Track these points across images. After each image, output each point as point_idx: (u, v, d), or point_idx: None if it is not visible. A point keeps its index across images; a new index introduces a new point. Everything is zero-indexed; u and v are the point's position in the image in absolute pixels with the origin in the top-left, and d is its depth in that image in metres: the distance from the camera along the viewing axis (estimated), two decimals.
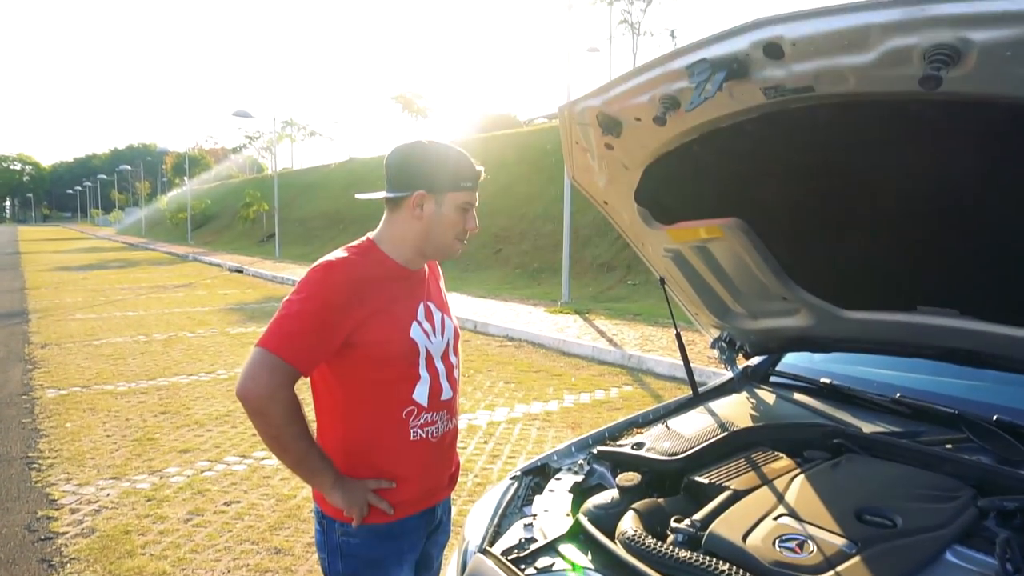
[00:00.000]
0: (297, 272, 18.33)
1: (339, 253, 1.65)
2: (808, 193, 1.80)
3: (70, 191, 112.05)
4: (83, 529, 3.63)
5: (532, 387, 6.62)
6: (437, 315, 1.77)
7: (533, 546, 1.66)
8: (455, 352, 1.83)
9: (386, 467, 1.68)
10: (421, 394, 1.69)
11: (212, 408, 5.88)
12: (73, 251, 31.50)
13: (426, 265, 1.82)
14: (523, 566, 1.58)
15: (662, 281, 2.42)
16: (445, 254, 1.72)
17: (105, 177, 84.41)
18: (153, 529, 3.63)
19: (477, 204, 1.70)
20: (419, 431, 1.69)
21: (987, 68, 1.13)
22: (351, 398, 1.65)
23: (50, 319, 11.01)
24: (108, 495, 4.07)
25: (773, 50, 1.32)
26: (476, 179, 1.67)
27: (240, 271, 20.25)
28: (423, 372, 1.68)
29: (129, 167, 70.38)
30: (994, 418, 1.85)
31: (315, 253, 24.32)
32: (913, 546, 1.42)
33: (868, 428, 2.03)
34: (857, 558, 1.38)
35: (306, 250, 25.12)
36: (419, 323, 1.69)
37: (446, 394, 1.75)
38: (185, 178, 49.52)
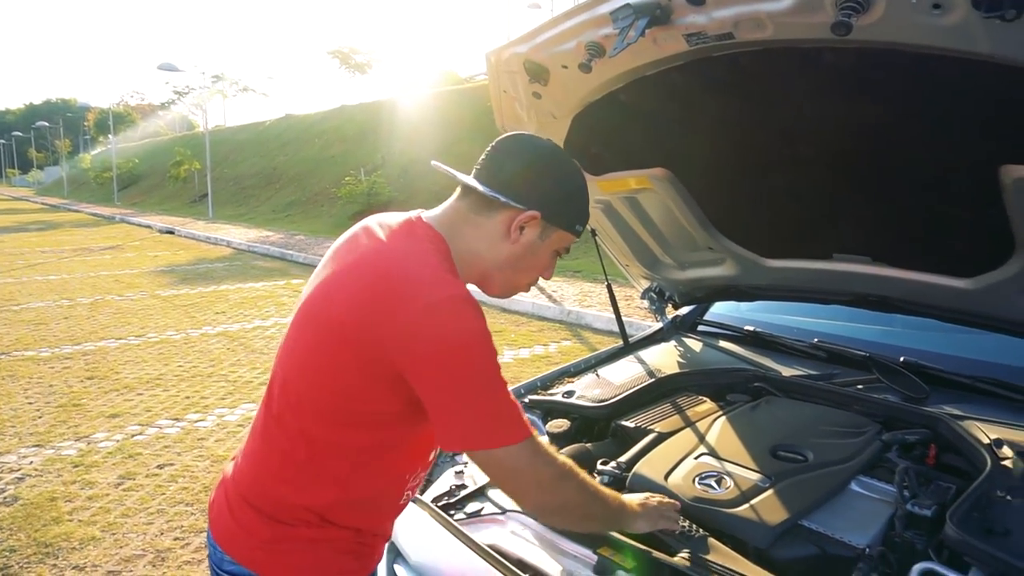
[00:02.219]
0: (231, 233, 17.77)
1: (445, 282, 1.13)
2: (730, 143, 1.83)
3: None
4: (4, 498, 3.50)
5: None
6: None
7: (463, 492, 1.69)
8: None
9: (367, 529, 1.31)
10: (431, 449, 1.34)
11: (142, 372, 5.70)
12: None
13: None
14: (452, 512, 1.61)
15: (593, 233, 2.44)
16: (508, 292, 1.31)
17: (21, 134, 79.38)
18: (81, 495, 3.53)
19: None
20: (408, 493, 1.33)
21: (894, 16, 1.16)
22: (365, 457, 1.22)
23: None
24: (31, 463, 3.93)
25: None
26: (585, 224, 1.32)
27: (171, 232, 19.50)
28: None
29: (47, 124, 66.33)
30: (901, 359, 1.95)
31: (250, 213, 23.35)
32: (821, 478, 1.50)
33: (787, 372, 2.12)
34: (770, 491, 1.45)
35: (241, 210, 24.32)
36: None
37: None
38: (110, 136, 46.98)
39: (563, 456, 1.22)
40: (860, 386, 1.96)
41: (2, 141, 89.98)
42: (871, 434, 1.67)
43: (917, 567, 1.22)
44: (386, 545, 1.42)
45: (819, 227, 1.93)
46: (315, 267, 1.33)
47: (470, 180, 1.22)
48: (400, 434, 1.22)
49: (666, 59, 1.54)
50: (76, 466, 3.87)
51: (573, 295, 8.50)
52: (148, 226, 21.37)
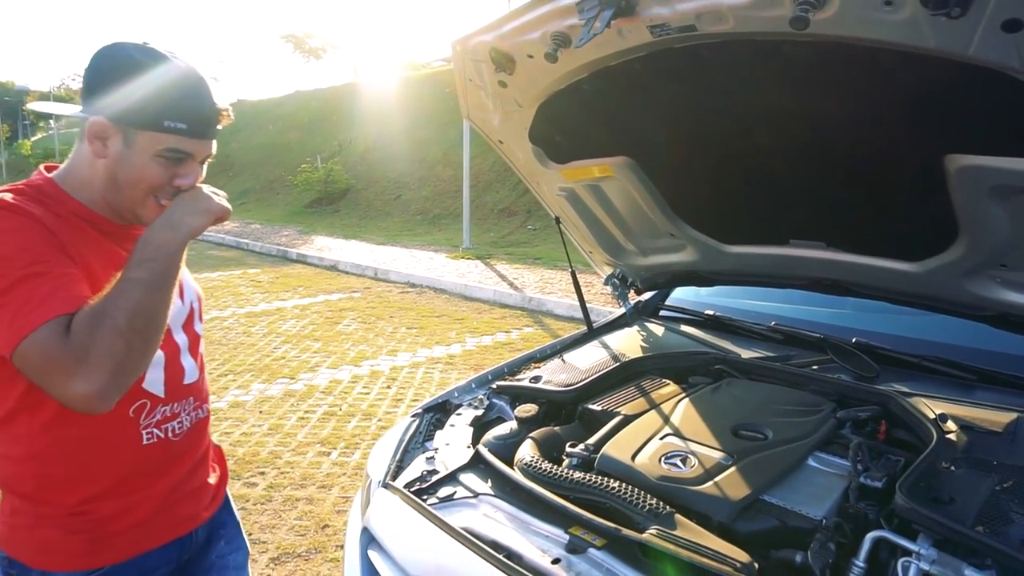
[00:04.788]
0: None
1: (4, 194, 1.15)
2: (691, 132, 1.88)
3: None
4: None
5: (434, 332, 6.65)
6: None
7: (435, 477, 1.72)
8: (200, 320, 1.45)
9: (109, 487, 1.24)
10: (154, 381, 1.27)
11: None
12: None
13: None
14: (425, 496, 1.63)
15: (557, 220, 2.48)
16: (137, 215, 1.23)
17: None
18: None
19: (208, 157, 1.27)
20: (155, 430, 1.28)
21: (848, 11, 1.21)
22: (40, 397, 1.11)
23: None
24: None
25: None
26: (202, 124, 1.20)
27: None
28: None
29: None
30: (853, 340, 2.04)
31: None
32: (780, 455, 1.56)
33: (746, 354, 2.19)
34: (732, 468, 1.51)
35: None
36: None
37: (190, 376, 1.36)
38: (51, 121, 45.19)
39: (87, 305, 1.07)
40: (815, 367, 2.04)
41: None
42: (826, 412, 1.74)
43: (870, 535, 1.29)
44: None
45: (776, 214, 2.00)
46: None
47: (57, 107, 1.29)
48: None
49: (630, 50, 1.57)
50: None
51: (534, 282, 8.56)
52: None
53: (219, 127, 1.26)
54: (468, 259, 10.65)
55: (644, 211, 2.23)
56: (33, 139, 55.66)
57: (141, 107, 1.15)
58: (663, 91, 1.74)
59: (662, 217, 2.21)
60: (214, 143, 1.27)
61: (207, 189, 1.26)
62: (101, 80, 1.17)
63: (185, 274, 1.36)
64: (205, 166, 1.29)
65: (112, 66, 1.17)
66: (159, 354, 1.24)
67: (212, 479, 1.48)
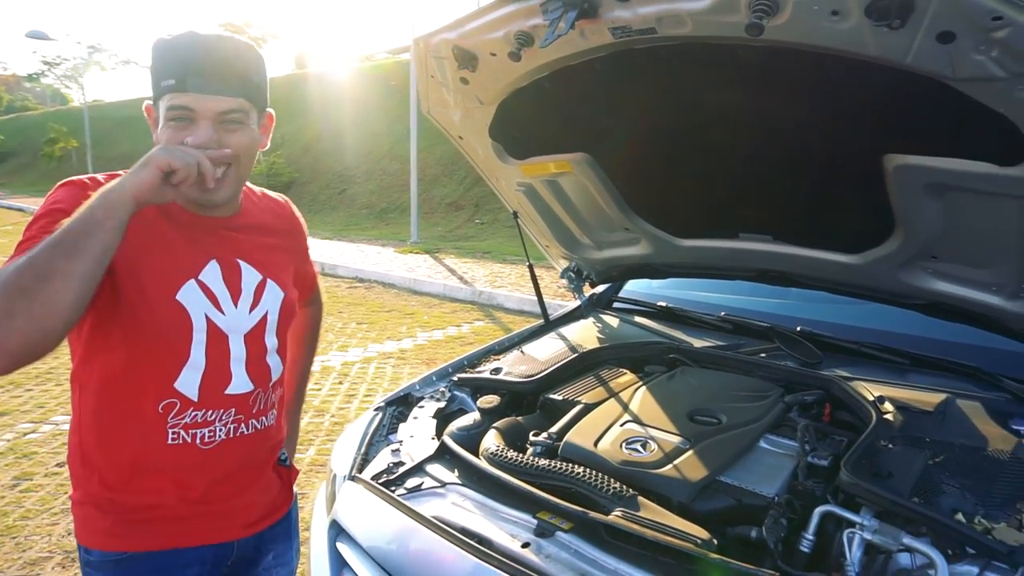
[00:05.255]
0: None
1: (99, 176, 1.22)
2: (647, 129, 1.95)
3: None
4: None
5: (385, 327, 6.63)
6: (251, 279, 1.33)
7: (401, 469, 1.74)
8: (277, 333, 1.39)
9: (130, 475, 1.27)
10: (189, 383, 1.25)
11: (31, 366, 5.33)
12: None
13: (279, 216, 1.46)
14: (393, 488, 1.65)
15: (515, 215, 2.52)
16: (183, 191, 1.16)
17: None
18: None
19: (228, 115, 1.19)
20: (182, 432, 1.26)
21: (800, 19, 1.28)
22: (102, 377, 1.23)
23: None
24: None
25: None
26: (194, 76, 1.15)
27: None
28: (196, 353, 1.25)
29: None
30: (798, 329, 2.15)
31: None
32: (734, 438, 1.65)
33: (698, 343, 2.28)
34: (690, 451, 1.58)
35: None
36: (200, 284, 1.26)
37: (238, 387, 1.31)
38: None
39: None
40: (763, 354, 2.15)
41: None
42: (775, 397, 1.84)
43: (818, 510, 1.38)
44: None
45: (727, 208, 2.09)
46: None
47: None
48: (101, 327, 1.18)
49: (591, 50, 1.62)
50: None
51: (483, 276, 8.59)
52: (20, 209, 19.75)
53: (234, 82, 1.19)
54: (416, 253, 10.61)
55: (600, 206, 2.29)
56: None
57: (152, 79, 1.19)
58: (622, 90, 1.79)
59: (618, 212, 2.28)
60: (235, 100, 1.19)
61: (192, 141, 1.16)
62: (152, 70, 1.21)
63: (269, 285, 1.35)
64: (248, 131, 1.24)
65: (152, 55, 1.21)
66: (199, 356, 1.23)
67: (263, 499, 1.44)
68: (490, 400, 2.01)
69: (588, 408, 1.87)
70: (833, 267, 2.01)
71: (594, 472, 1.52)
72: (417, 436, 1.89)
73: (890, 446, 1.56)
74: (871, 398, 1.74)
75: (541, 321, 2.62)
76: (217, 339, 1.27)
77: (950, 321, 1.91)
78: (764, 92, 1.60)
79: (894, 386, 1.85)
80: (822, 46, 1.33)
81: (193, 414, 1.26)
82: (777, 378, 1.97)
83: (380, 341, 6.16)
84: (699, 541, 1.30)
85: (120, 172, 1.17)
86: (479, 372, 2.18)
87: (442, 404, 2.08)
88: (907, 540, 1.27)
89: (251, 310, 1.33)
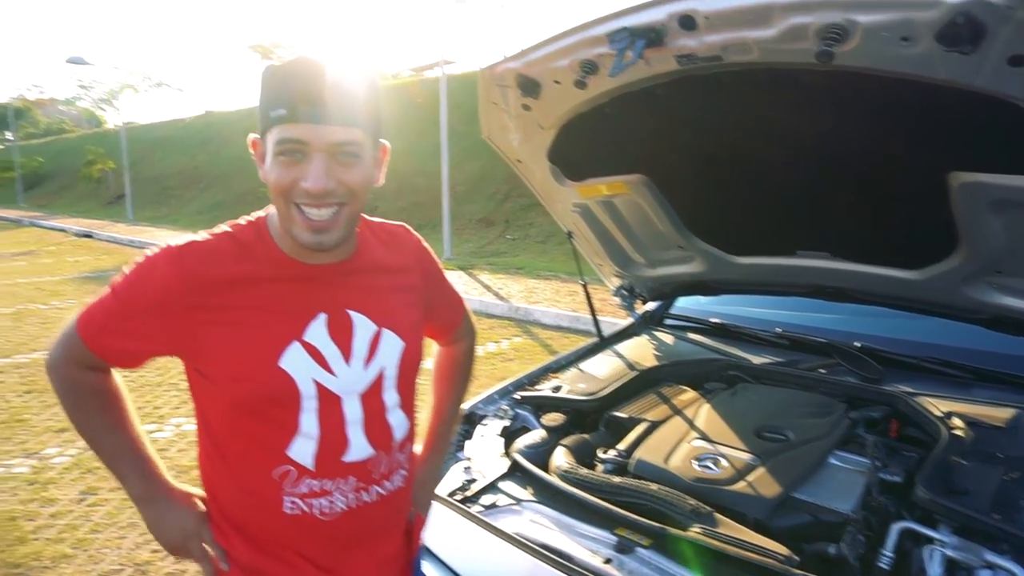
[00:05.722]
0: (156, 235, 17.09)
1: (204, 234, 1.15)
2: (706, 151, 1.99)
3: None
4: None
5: (427, 343, 6.68)
6: (365, 330, 1.18)
7: (475, 487, 1.79)
8: (398, 388, 1.24)
9: (255, 544, 1.19)
10: (303, 452, 1.13)
11: None
12: None
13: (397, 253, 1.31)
14: (469, 505, 1.70)
15: (569, 235, 2.57)
16: (294, 236, 1.09)
17: None
18: (43, 513, 3.42)
19: (342, 148, 1.06)
20: (299, 502, 1.14)
21: (869, 46, 1.32)
22: (215, 433, 1.18)
23: None
24: None
25: (687, 22, 1.45)
26: (306, 104, 1.02)
27: (89, 236, 18.57)
28: (307, 421, 1.12)
29: None
30: (857, 345, 2.16)
31: (174, 214, 22.53)
32: (804, 454, 1.67)
33: (755, 360, 2.30)
34: (761, 468, 1.61)
35: (163, 211, 23.39)
36: (306, 346, 1.12)
37: (357, 452, 1.16)
38: (8, 133, 44.22)
39: (87, 382, 1.19)
40: (823, 370, 2.16)
41: None
42: (840, 413, 1.86)
43: (896, 526, 1.39)
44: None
45: (784, 226, 2.12)
46: None
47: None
48: (208, 396, 1.17)
49: (654, 76, 1.67)
50: (31, 483, 3.74)
51: (518, 291, 8.65)
52: (62, 229, 20.31)
53: (349, 111, 1.06)
54: (451, 269, 10.71)
55: (655, 225, 2.33)
56: None
57: (260, 109, 1.07)
58: (683, 113, 1.84)
59: (673, 231, 2.32)
60: (350, 130, 1.06)
61: (310, 187, 1.05)
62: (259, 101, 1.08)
63: (385, 335, 1.20)
64: (364, 165, 1.09)
65: (261, 84, 1.08)
66: (311, 425, 1.12)
67: (394, 565, 1.32)
68: (554, 418, 2.05)
69: (654, 425, 1.90)
70: (893, 283, 2.02)
71: (669, 489, 1.55)
72: (486, 454, 1.94)
73: (963, 462, 1.57)
74: (939, 414, 1.75)
75: (596, 339, 2.66)
76: (330, 403, 1.13)
77: (1015, 335, 1.91)
78: (826, 113, 1.64)
79: (961, 401, 1.86)
80: (890, 71, 1.36)
81: (309, 483, 1.14)
82: (839, 394, 1.98)
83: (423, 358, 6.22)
84: (781, 558, 1.33)
85: (227, 227, 1.17)
86: (540, 390, 2.23)
87: (507, 422, 2.13)
88: (989, 557, 1.28)
89: (366, 366, 1.18)
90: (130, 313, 1.13)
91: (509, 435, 2.07)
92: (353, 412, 1.16)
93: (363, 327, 1.18)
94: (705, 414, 1.92)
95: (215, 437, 1.18)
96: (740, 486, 1.55)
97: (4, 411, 4.91)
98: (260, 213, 1.19)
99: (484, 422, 2.14)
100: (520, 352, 6.26)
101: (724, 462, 1.65)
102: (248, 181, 22.34)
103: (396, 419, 1.23)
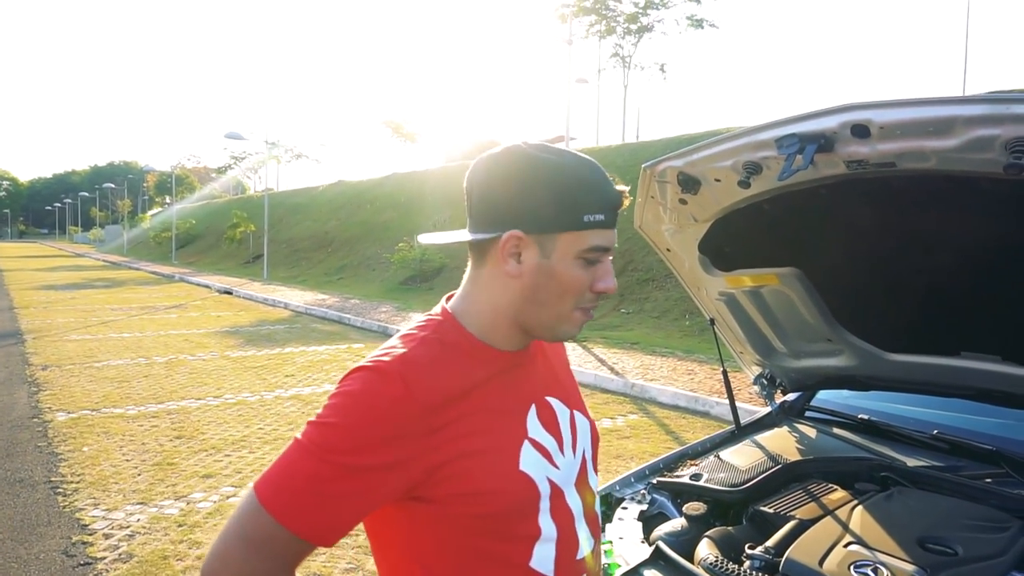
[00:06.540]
0: (288, 295, 18.32)
1: (396, 344, 1.01)
2: (864, 246, 1.98)
3: (48, 207, 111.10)
4: (120, 555, 3.68)
5: None
6: (564, 415, 1.11)
7: (618, 572, 1.80)
8: (595, 468, 1.17)
9: None
10: (544, 559, 1.01)
11: (226, 433, 5.92)
12: (55, 269, 31.14)
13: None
14: None
15: (712, 322, 2.59)
16: (558, 332, 1.05)
17: (86, 194, 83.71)
18: (190, 555, 3.68)
19: (614, 249, 1.04)
20: None
21: None
22: (432, 568, 1.00)
23: (45, 340, 10.93)
24: (138, 520, 4.12)
25: (860, 130, 1.50)
26: (614, 208, 1.01)
27: (229, 292, 20.18)
28: (545, 523, 1.02)
29: (112, 185, 69.85)
30: None
31: (303, 275, 23.92)
32: (978, 572, 1.57)
33: (910, 462, 2.19)
34: None
35: (293, 272, 25.10)
36: (533, 443, 1.03)
37: (584, 548, 1.07)
38: (167, 197, 49.29)
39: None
40: (988, 479, 2.03)
41: (68, 200, 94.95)
42: (1016, 529, 1.74)
43: None
44: None
45: (948, 326, 2.05)
46: (373, 331, 1.17)
47: (452, 236, 1.08)
48: (425, 534, 0.99)
49: (821, 178, 1.72)
50: (180, 525, 4.05)
51: (634, 367, 8.57)
52: (207, 286, 22.15)
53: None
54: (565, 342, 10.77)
55: (804, 317, 2.32)
56: (151, 213, 60.58)
57: (557, 207, 0.98)
58: (843, 212, 1.86)
59: (822, 323, 2.29)
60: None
61: (614, 288, 1.05)
62: (504, 190, 1.00)
63: (577, 416, 1.14)
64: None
65: (514, 172, 1.00)
66: (551, 526, 1.01)
67: None
68: (697, 507, 2.03)
69: (804, 524, 1.85)
70: None
71: None
72: (626, 538, 1.95)
73: None
74: None
75: (731, 426, 2.63)
76: (558, 499, 1.04)
77: None
78: (1007, 217, 1.61)
79: None
80: None
81: None
82: (1013, 508, 1.86)
83: None
84: None
85: (416, 331, 1.04)
86: (679, 476, 2.22)
87: (644, 507, 2.13)
88: None
89: (575, 454, 1.10)
90: (352, 465, 0.91)
91: (646, 520, 2.07)
92: (575, 504, 1.07)
93: (561, 411, 1.10)
94: (860, 517, 1.85)
95: (431, 573, 1.00)
96: None
97: (158, 454, 5.35)
98: (434, 311, 1.08)
99: (623, 505, 2.16)
100: (636, 430, 6.17)
101: (884, 572, 1.59)
102: (372, 246, 23.67)
103: (599, 505, 1.17)
